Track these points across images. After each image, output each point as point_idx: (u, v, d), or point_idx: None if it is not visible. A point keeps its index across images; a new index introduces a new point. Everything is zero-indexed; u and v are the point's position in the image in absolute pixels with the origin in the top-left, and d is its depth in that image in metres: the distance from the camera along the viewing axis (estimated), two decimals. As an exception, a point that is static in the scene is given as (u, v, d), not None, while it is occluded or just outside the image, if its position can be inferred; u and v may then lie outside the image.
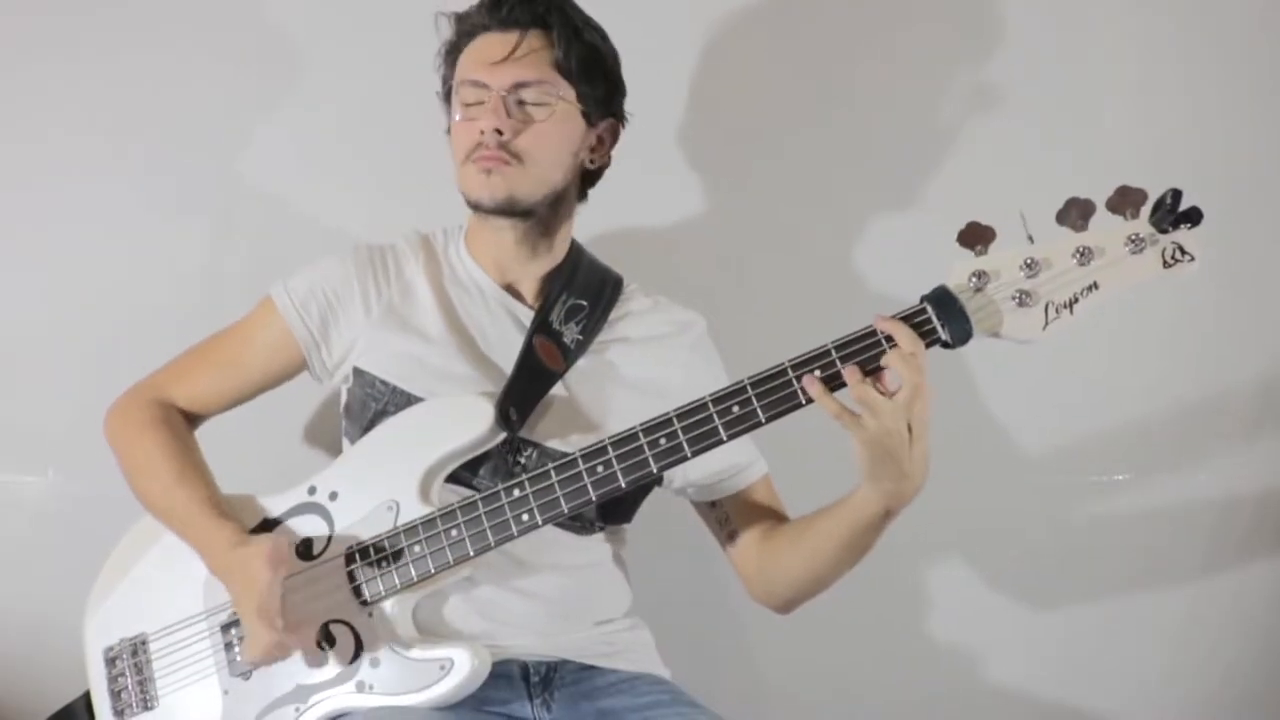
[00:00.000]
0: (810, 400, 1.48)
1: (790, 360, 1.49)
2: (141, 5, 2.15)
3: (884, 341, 1.47)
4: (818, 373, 1.47)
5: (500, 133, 1.64)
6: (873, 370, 1.47)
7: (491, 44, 1.67)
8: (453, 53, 1.73)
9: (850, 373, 1.46)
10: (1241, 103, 2.16)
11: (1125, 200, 1.45)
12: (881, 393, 1.45)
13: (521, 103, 1.66)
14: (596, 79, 1.70)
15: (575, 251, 1.78)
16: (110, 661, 1.73)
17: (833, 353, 1.48)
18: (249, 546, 1.59)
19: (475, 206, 1.70)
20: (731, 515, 1.77)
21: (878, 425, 1.45)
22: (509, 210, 1.68)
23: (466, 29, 1.71)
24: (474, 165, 1.66)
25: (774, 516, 1.76)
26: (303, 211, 2.17)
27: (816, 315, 2.11)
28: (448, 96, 1.73)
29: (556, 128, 1.68)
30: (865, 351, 1.47)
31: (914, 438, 1.47)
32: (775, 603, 1.75)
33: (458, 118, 1.69)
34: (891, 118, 2.17)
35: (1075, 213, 1.45)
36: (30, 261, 2.17)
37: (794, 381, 1.48)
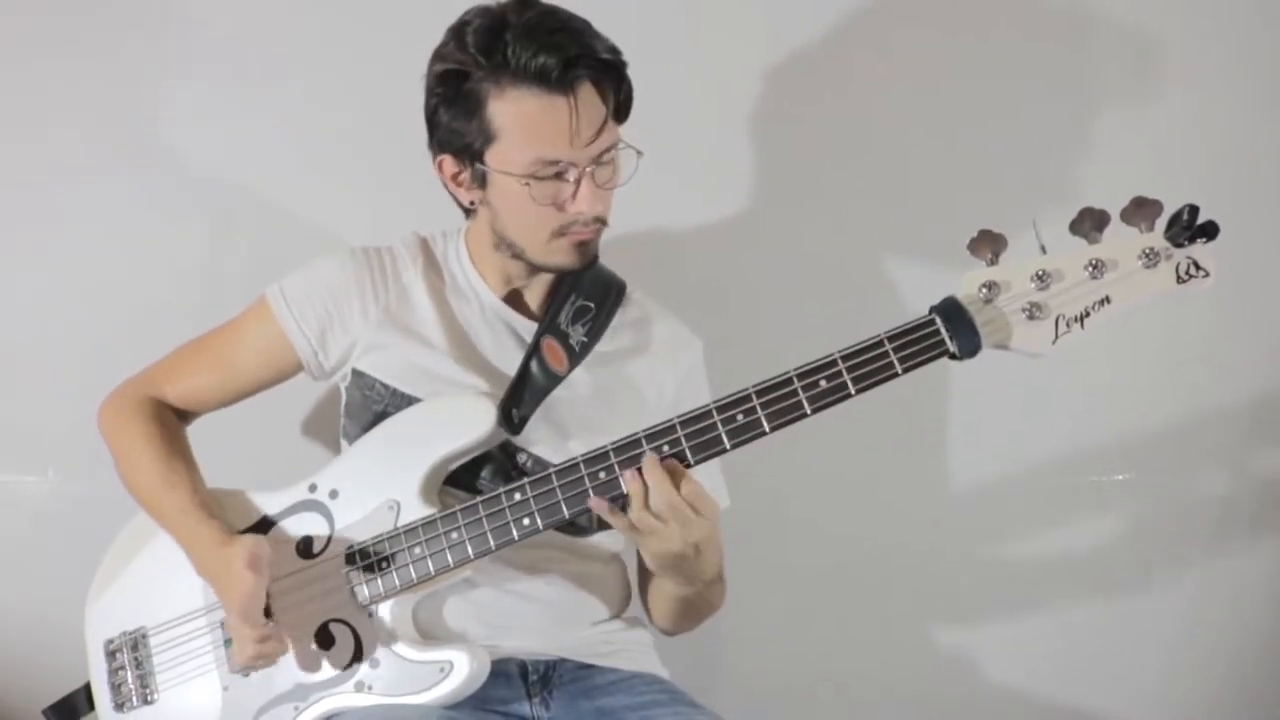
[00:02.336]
0: (815, 411, 1.47)
1: (796, 370, 1.48)
2: (141, 5, 2.14)
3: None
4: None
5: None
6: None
7: (551, 112, 1.54)
8: (470, 99, 1.57)
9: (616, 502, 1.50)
10: (1245, 110, 2.16)
11: (1140, 212, 1.43)
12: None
13: (599, 164, 1.60)
14: (630, 103, 1.64)
15: None
16: (110, 654, 1.73)
17: (839, 363, 1.47)
18: (231, 547, 1.59)
19: (558, 270, 1.67)
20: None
21: (658, 544, 1.50)
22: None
23: (494, 73, 1.55)
24: (564, 240, 1.62)
25: None
26: (303, 211, 2.17)
27: (823, 320, 2.12)
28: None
29: (620, 177, 1.64)
30: (871, 364, 1.46)
31: (698, 550, 1.51)
32: (662, 629, 1.80)
33: (530, 194, 1.57)
34: (901, 121, 2.17)
35: (1089, 223, 1.43)
36: (30, 261, 2.17)
37: (799, 392, 1.47)
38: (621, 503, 1.50)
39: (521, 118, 1.56)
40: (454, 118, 1.60)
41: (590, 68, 1.56)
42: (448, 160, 1.65)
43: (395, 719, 1.55)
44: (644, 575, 1.77)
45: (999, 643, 2.27)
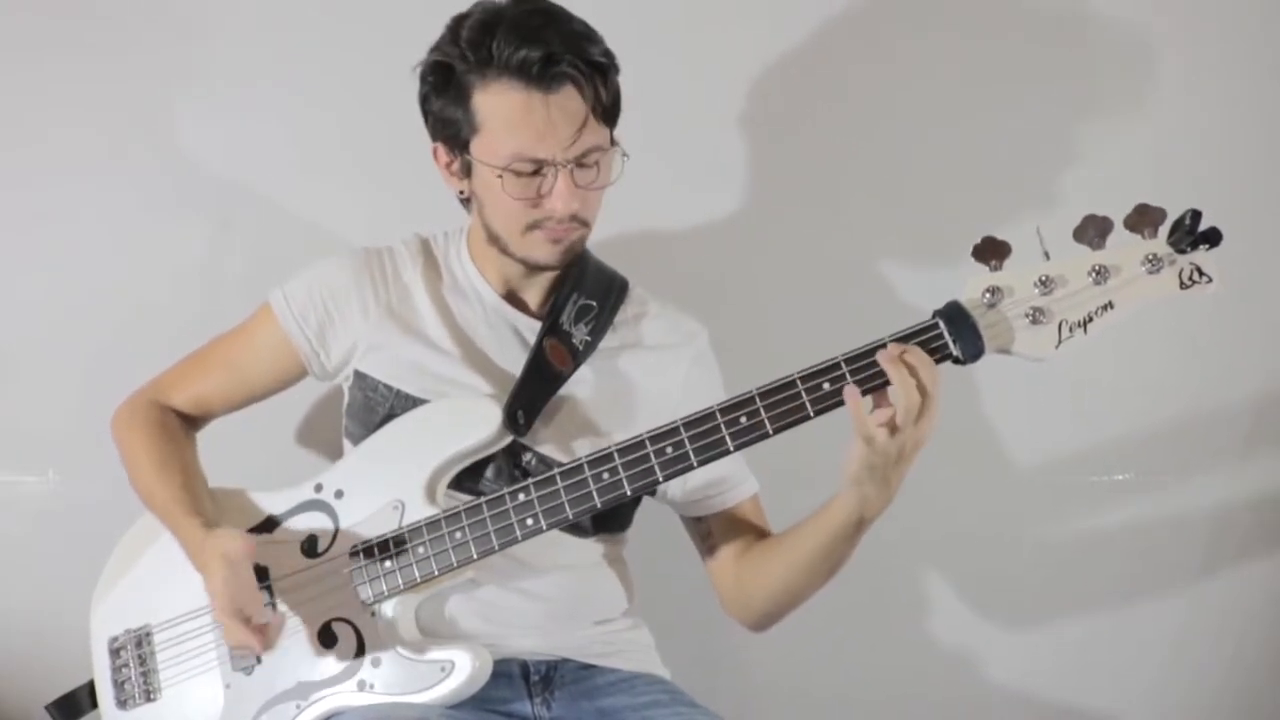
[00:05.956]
0: (818, 413, 1.47)
1: (799, 372, 1.48)
2: (142, 5, 2.14)
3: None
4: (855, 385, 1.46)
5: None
6: (875, 387, 1.45)
7: (530, 109, 1.55)
8: (457, 89, 1.60)
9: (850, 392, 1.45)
10: (1245, 112, 2.16)
11: (1143, 219, 1.43)
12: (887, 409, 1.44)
13: (580, 165, 1.59)
14: (618, 107, 1.65)
15: (583, 253, 1.76)
16: (115, 652, 1.73)
17: (842, 365, 1.47)
18: (209, 539, 1.58)
19: (536, 267, 1.67)
20: (714, 530, 1.76)
21: (885, 443, 1.44)
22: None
23: (479, 66, 1.57)
24: (539, 234, 1.62)
25: (756, 534, 1.75)
26: (302, 212, 2.17)
27: (822, 319, 2.12)
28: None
29: (606, 179, 1.64)
30: (872, 366, 1.45)
31: (904, 456, 1.46)
32: (750, 618, 1.74)
33: (502, 187, 1.58)
34: (899, 121, 2.17)
35: (1092, 230, 1.44)
36: (30, 261, 2.17)
37: (803, 394, 1.47)
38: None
39: (502, 111, 1.57)
40: (443, 106, 1.62)
41: (573, 67, 1.56)
42: (440, 149, 1.67)
43: (396, 718, 1.56)
44: (746, 557, 1.72)
45: (999, 642, 2.27)
